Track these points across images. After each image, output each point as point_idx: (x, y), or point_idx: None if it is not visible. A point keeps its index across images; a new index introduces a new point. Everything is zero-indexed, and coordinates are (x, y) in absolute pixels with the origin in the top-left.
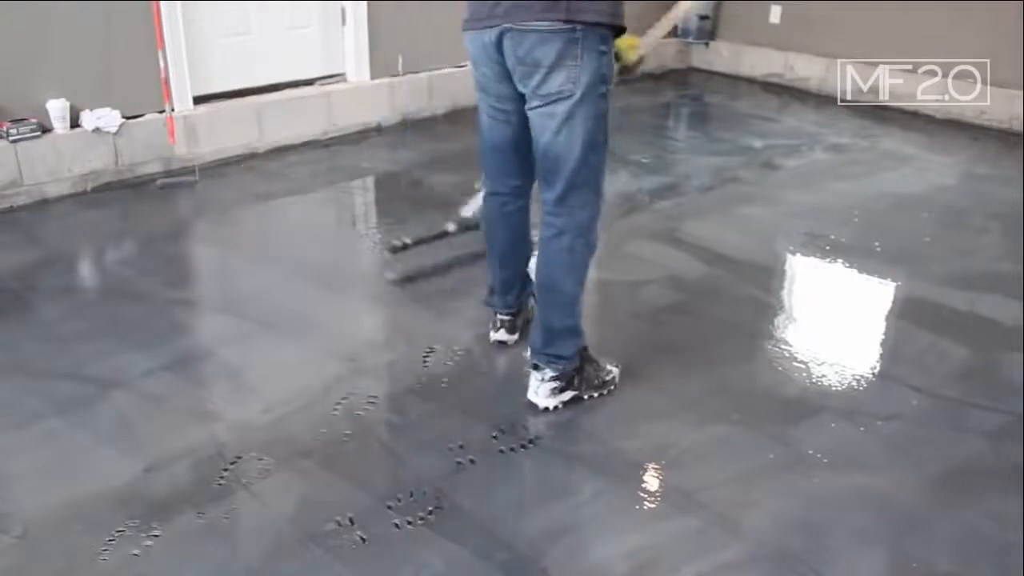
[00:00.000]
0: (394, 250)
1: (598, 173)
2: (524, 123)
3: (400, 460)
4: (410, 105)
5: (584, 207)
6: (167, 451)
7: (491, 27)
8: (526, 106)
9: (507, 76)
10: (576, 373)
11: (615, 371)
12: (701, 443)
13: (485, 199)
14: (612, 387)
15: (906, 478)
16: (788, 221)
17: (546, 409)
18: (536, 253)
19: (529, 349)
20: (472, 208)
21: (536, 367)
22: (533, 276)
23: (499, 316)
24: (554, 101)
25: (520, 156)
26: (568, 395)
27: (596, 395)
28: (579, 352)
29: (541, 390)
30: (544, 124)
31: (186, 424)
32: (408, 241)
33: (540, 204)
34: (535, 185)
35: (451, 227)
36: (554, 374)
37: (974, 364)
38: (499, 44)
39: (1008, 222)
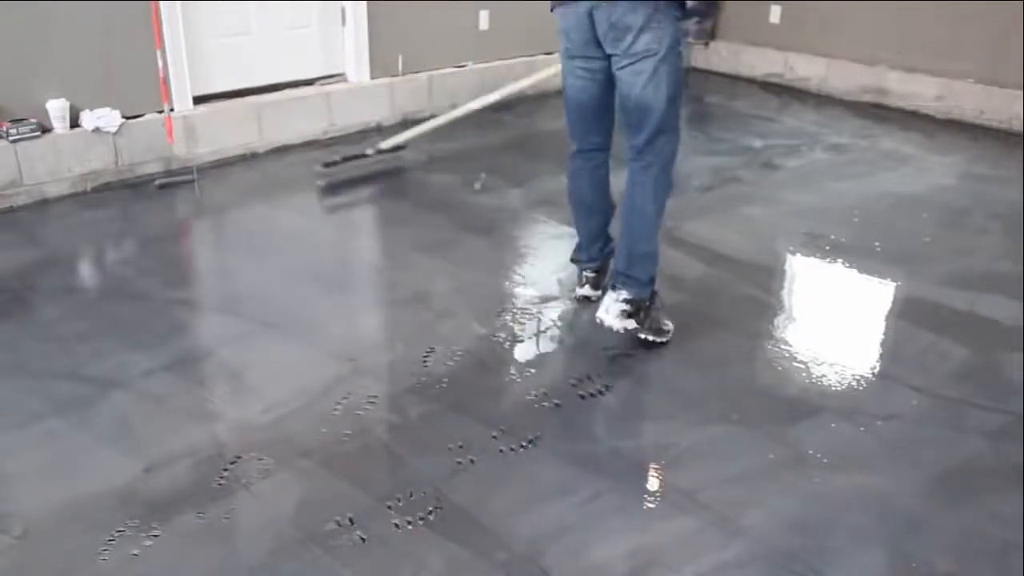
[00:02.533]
0: (326, 165)
1: (677, 118)
2: (607, 82)
3: (400, 460)
4: (412, 107)
5: (667, 145)
6: (167, 451)
7: (586, 0)
8: (615, 66)
9: (595, 41)
10: (644, 309)
11: (671, 326)
12: (701, 443)
13: (571, 158)
14: (667, 337)
15: (906, 478)
16: (788, 221)
17: (611, 329)
18: (625, 195)
19: (611, 270)
20: (392, 142)
21: (614, 287)
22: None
23: (584, 273)
24: (642, 59)
25: (602, 114)
26: (632, 324)
27: (652, 338)
28: (652, 287)
29: (612, 308)
30: (633, 80)
31: (186, 424)
32: (337, 159)
33: (627, 151)
34: (612, 145)
35: (370, 151)
36: (628, 295)
37: (974, 364)
38: (591, 14)
39: (1008, 222)
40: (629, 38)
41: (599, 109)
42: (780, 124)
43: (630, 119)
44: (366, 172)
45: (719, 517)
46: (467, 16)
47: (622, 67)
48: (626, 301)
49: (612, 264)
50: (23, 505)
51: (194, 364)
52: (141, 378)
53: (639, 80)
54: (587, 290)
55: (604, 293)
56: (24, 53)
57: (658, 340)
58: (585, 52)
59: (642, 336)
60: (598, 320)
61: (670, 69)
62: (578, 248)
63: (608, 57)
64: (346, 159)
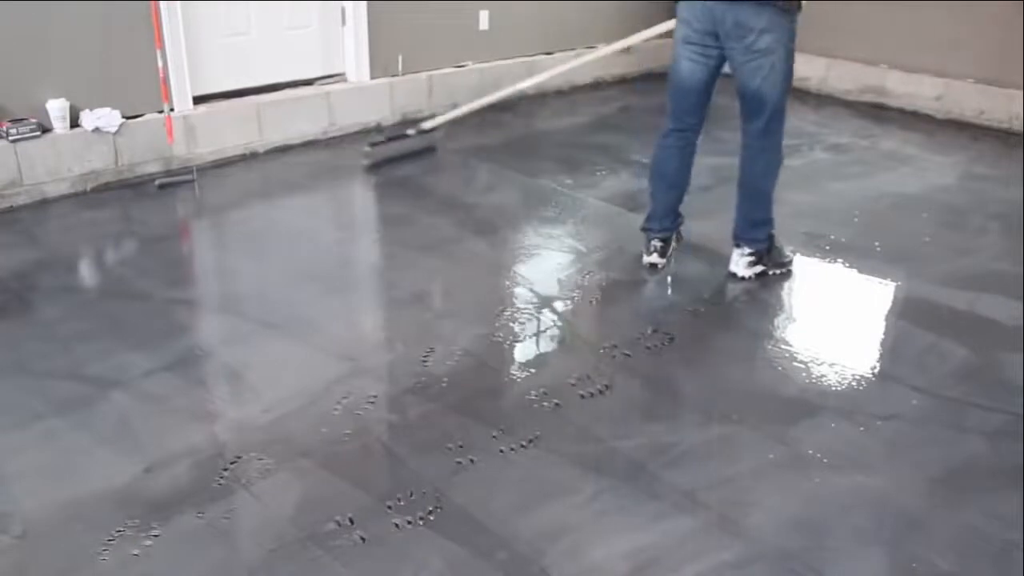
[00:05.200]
0: (371, 144)
1: (785, 107)
2: (716, 70)
3: (400, 460)
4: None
5: (778, 131)
6: (167, 451)
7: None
8: (734, 60)
9: (715, 34)
10: (766, 252)
11: (792, 256)
12: (701, 443)
13: (665, 135)
14: (790, 267)
15: (906, 478)
16: (788, 221)
17: (743, 278)
18: (740, 169)
19: (732, 234)
20: (432, 123)
21: (738, 245)
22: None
23: (653, 242)
24: (763, 55)
25: (703, 97)
26: (759, 268)
27: (779, 271)
28: (769, 237)
29: (740, 263)
30: (752, 75)
31: (186, 424)
32: (381, 139)
33: (744, 134)
34: (703, 128)
35: (411, 132)
36: (751, 250)
37: (974, 364)
38: (712, 11)
39: (1008, 222)
40: (751, 37)
41: (702, 93)
42: None
43: (747, 107)
44: (367, 171)
45: (719, 517)
46: (467, 16)
47: (741, 62)
48: (751, 254)
49: (681, 232)
50: (23, 505)
51: (194, 364)
52: (141, 378)
53: (758, 75)
54: (655, 257)
55: (669, 262)
56: (24, 53)
57: (784, 271)
58: (703, 41)
59: (770, 272)
60: (731, 271)
61: (784, 65)
62: (650, 218)
63: (722, 48)
64: (389, 139)
